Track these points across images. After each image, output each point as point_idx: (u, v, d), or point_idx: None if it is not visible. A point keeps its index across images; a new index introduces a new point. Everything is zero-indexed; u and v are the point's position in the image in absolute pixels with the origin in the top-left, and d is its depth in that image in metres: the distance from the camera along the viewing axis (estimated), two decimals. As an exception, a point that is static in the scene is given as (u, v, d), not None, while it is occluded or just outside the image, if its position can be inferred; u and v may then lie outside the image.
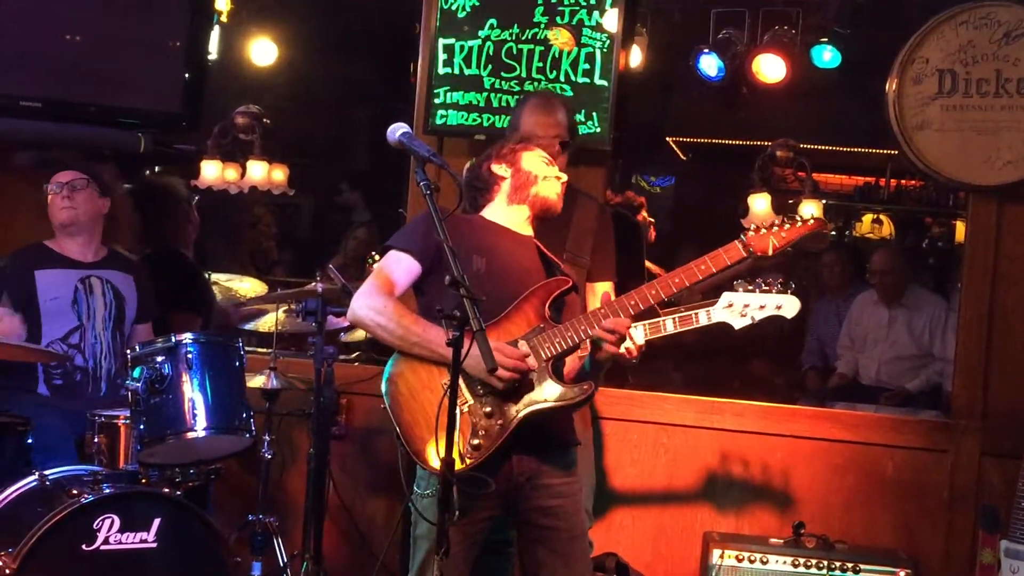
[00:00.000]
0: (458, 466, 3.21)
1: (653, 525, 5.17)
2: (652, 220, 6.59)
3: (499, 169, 3.69)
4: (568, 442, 3.64)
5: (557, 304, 3.58)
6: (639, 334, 3.69)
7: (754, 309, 3.64)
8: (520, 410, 3.43)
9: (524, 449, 3.48)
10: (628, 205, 6.38)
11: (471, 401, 3.41)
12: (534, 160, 3.71)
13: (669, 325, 3.71)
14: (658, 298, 3.53)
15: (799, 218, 3.60)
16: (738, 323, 3.66)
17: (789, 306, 3.66)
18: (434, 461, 3.29)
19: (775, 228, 3.58)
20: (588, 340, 3.49)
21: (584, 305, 3.97)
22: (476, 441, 3.40)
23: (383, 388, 3.49)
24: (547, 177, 3.68)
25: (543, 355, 3.45)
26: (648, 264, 5.94)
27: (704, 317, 3.70)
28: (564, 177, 3.77)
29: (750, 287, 3.64)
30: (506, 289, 3.51)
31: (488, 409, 3.41)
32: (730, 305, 3.67)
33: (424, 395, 3.41)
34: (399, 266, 3.53)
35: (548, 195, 3.68)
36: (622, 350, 3.53)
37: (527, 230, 3.71)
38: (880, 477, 5.05)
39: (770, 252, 3.57)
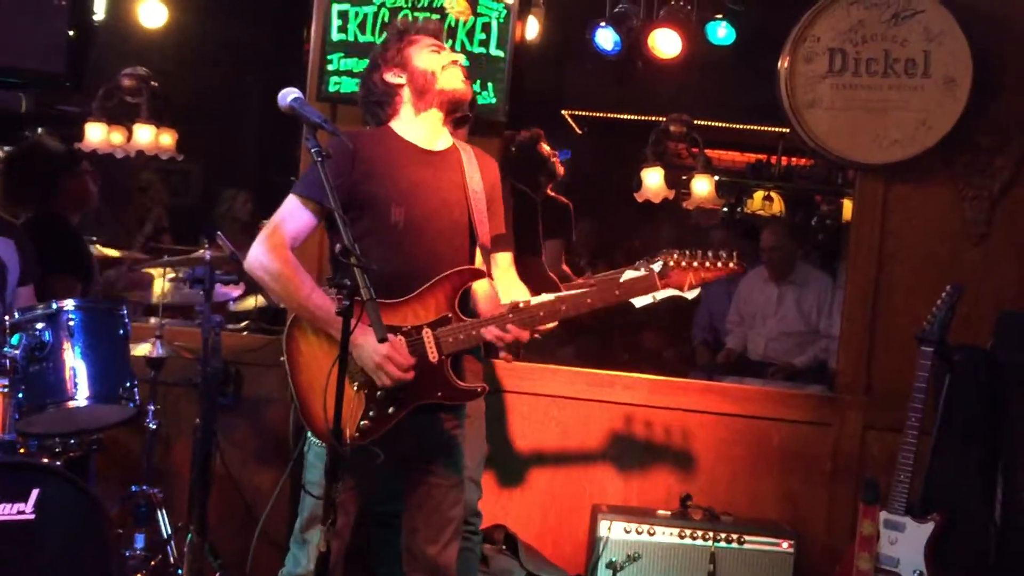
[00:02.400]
0: (346, 443, 3.22)
1: (542, 497, 5.19)
2: (555, 154, 6.55)
3: (392, 77, 3.57)
4: (450, 408, 3.63)
5: (467, 291, 3.55)
6: None
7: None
8: (412, 401, 3.42)
9: (411, 428, 3.48)
10: (532, 139, 6.35)
11: (365, 380, 3.39)
12: (424, 55, 3.57)
13: None
14: (565, 315, 3.49)
15: (721, 258, 3.50)
16: (639, 301, 3.65)
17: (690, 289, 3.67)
18: (323, 432, 3.28)
19: (695, 265, 3.47)
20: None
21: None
22: (364, 423, 3.39)
23: (283, 342, 3.45)
24: (444, 67, 3.55)
25: (444, 348, 3.43)
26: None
27: None
28: (461, 58, 3.65)
29: (651, 266, 3.63)
30: (423, 251, 3.46)
31: (380, 392, 3.39)
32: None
33: (321, 361, 3.36)
34: (302, 216, 3.44)
35: (453, 87, 3.55)
36: None
37: (445, 139, 3.61)
38: (766, 450, 5.14)
39: (684, 289, 3.48)
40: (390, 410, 3.41)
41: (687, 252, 3.49)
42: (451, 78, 3.55)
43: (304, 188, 3.46)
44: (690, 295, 3.59)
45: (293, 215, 3.45)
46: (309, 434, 3.47)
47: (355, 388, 3.38)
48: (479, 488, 4.47)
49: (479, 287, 3.62)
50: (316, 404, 3.31)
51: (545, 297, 3.50)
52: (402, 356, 3.35)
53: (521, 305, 3.47)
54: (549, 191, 6.25)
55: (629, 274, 3.47)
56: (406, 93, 3.57)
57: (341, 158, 3.38)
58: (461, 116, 3.92)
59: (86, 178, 5.51)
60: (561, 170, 6.50)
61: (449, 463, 3.64)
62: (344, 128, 4.80)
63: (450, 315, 3.45)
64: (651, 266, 3.46)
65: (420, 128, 3.57)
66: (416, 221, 3.47)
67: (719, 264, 3.49)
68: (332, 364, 3.15)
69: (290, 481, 4.93)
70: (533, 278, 4.30)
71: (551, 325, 3.56)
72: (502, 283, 3.86)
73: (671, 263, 3.45)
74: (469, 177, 3.59)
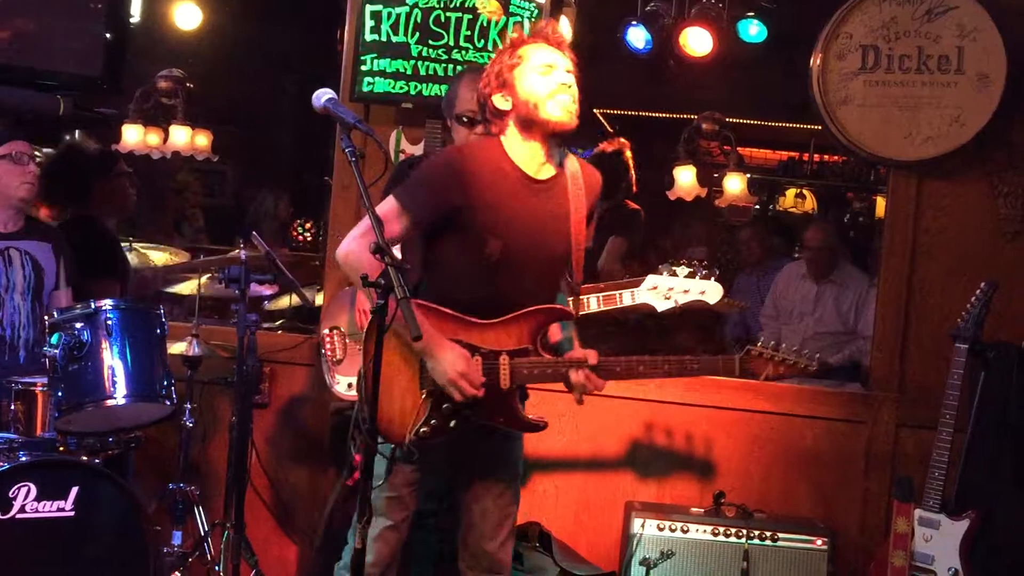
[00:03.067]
0: (403, 444, 3.40)
1: (576, 495, 5.20)
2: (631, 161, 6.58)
3: (500, 102, 3.44)
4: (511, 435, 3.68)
5: (550, 327, 3.57)
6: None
7: (678, 293, 3.71)
8: (475, 419, 3.46)
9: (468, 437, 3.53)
10: (618, 152, 6.38)
11: (435, 389, 3.42)
12: (531, 79, 3.41)
13: (593, 303, 3.75)
14: (642, 376, 3.59)
15: (803, 358, 3.57)
16: (661, 305, 3.72)
17: (712, 292, 3.73)
18: (384, 431, 3.40)
19: (777, 358, 3.54)
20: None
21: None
22: (424, 429, 3.43)
23: (363, 336, 3.53)
24: (551, 94, 3.38)
25: (517, 378, 3.45)
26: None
27: (628, 297, 3.75)
28: (571, 83, 3.42)
29: (675, 270, 3.67)
30: (515, 286, 3.45)
31: (447, 404, 3.43)
32: (655, 287, 3.72)
33: (398, 361, 3.40)
34: (400, 221, 3.40)
35: (558, 118, 3.39)
36: None
37: (547, 168, 3.48)
38: (799, 448, 5.13)
39: (760, 378, 3.58)
40: (451, 424, 3.45)
41: (772, 344, 3.58)
42: (556, 107, 3.39)
43: (406, 199, 3.41)
44: (706, 294, 3.64)
45: (388, 220, 3.33)
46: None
47: (424, 394, 3.42)
48: None
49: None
50: (382, 403, 3.33)
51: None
52: (476, 376, 3.38)
53: (604, 360, 3.50)
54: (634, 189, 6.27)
55: (714, 359, 3.58)
56: (513, 118, 3.45)
57: (451, 173, 3.36)
58: (470, 119, 3.92)
59: (123, 180, 5.56)
60: (635, 187, 6.52)
61: (508, 458, 3.68)
62: (378, 128, 4.87)
63: (530, 348, 3.46)
64: (735, 355, 3.55)
65: (527, 153, 3.47)
66: (512, 255, 3.43)
67: (800, 364, 3.58)
68: (408, 369, 3.36)
69: (325, 480, 5.01)
70: None
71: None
72: None
73: (755, 352, 3.54)
74: (575, 209, 3.51)
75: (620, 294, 3.77)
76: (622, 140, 6.38)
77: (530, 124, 3.42)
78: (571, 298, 3.61)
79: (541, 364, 3.46)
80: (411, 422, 3.42)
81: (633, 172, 6.36)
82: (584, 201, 3.55)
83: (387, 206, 3.41)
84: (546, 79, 3.41)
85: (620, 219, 6.15)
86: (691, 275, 3.73)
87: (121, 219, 5.76)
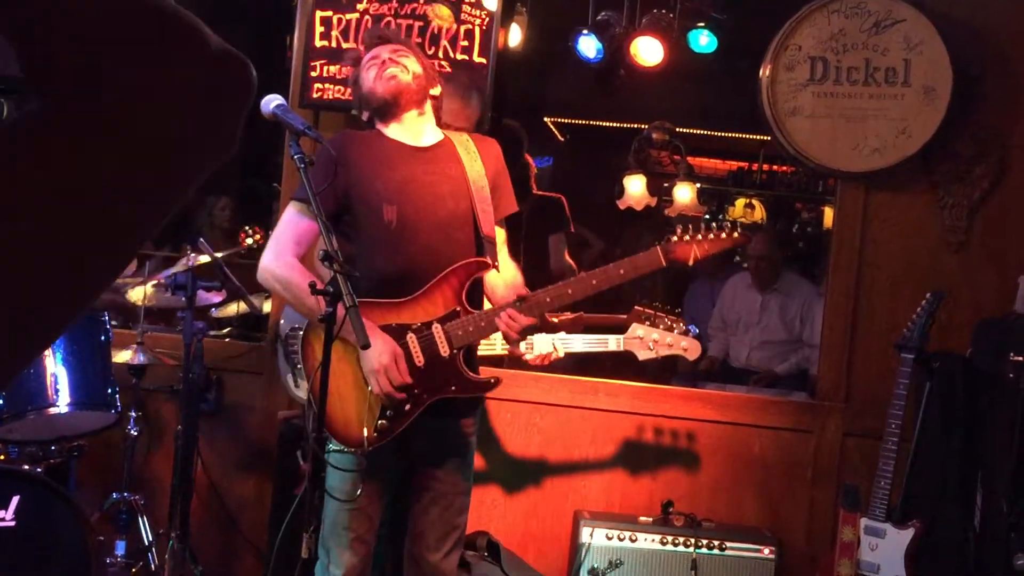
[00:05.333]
0: (364, 444, 3.39)
1: (525, 504, 5.20)
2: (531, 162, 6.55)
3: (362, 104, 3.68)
4: (468, 410, 3.67)
5: (475, 283, 3.57)
6: (547, 343, 3.77)
7: (661, 346, 3.77)
8: (427, 397, 3.46)
9: (427, 429, 3.53)
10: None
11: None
12: (363, 76, 3.61)
13: (580, 345, 3.80)
14: (573, 298, 3.55)
15: (724, 230, 3.58)
16: (642, 355, 3.80)
17: (692, 350, 3.83)
18: (343, 434, 3.42)
19: (699, 237, 3.54)
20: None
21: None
22: (382, 422, 3.44)
23: (300, 347, 3.55)
24: (376, 77, 3.57)
25: (455, 342, 3.47)
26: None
27: (614, 344, 3.84)
28: (389, 56, 3.58)
29: (656, 322, 3.75)
30: (422, 248, 3.49)
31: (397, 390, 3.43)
32: (639, 338, 3.77)
33: (337, 366, 3.38)
34: (302, 220, 3.48)
35: (385, 88, 3.55)
36: (523, 348, 3.69)
37: (433, 133, 3.64)
38: (747, 457, 5.15)
39: (690, 262, 3.57)
40: (407, 407, 3.44)
41: (690, 226, 3.57)
42: (380, 83, 3.55)
43: (301, 193, 3.47)
44: (687, 351, 3.71)
45: (293, 221, 3.51)
46: (330, 440, 3.47)
47: (370, 389, 3.42)
48: None
49: (492, 277, 3.64)
50: (333, 408, 3.35)
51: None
52: (401, 368, 3.39)
53: (528, 295, 3.51)
54: (536, 190, 6.25)
55: (636, 259, 3.56)
56: (371, 113, 3.65)
57: (326, 163, 3.41)
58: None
59: None
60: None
61: (459, 469, 3.66)
62: (327, 135, 4.84)
63: (458, 309, 3.48)
64: (657, 245, 3.54)
65: (402, 128, 3.60)
66: (410, 219, 3.49)
67: (723, 235, 3.57)
68: (350, 370, 3.37)
69: (272, 489, 4.96)
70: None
71: (563, 317, 3.64)
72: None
73: (674, 238, 3.54)
74: (469, 167, 3.60)
75: (606, 340, 3.87)
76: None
77: (380, 110, 3.59)
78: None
79: (473, 320, 3.48)
80: (368, 420, 3.42)
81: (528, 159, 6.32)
82: (481, 162, 3.62)
83: (288, 211, 3.54)
84: (371, 70, 3.57)
85: (547, 214, 6.14)
86: (670, 329, 3.82)
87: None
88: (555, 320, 3.88)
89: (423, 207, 3.51)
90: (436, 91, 3.66)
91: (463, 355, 3.50)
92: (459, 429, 3.62)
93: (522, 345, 3.81)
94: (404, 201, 3.49)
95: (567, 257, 6.09)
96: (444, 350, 3.46)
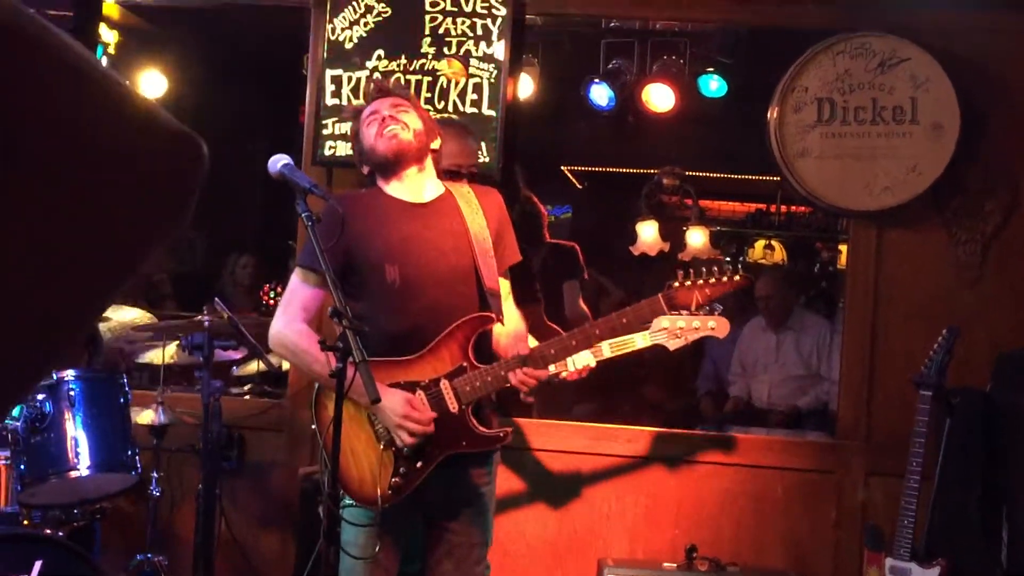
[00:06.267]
0: (379, 501, 3.41)
1: (548, 552, 5.18)
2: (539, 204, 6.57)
3: (364, 160, 3.70)
4: (479, 462, 3.67)
5: (480, 337, 3.58)
6: (582, 357, 3.75)
7: (688, 331, 3.71)
8: (439, 453, 3.47)
9: (440, 482, 3.54)
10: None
11: (392, 439, 3.46)
12: (363, 132, 3.64)
13: (606, 350, 3.77)
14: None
15: (725, 273, 3.58)
16: (672, 344, 3.72)
17: (721, 326, 3.73)
18: (358, 493, 3.44)
19: (699, 282, 3.55)
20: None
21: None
22: (395, 480, 3.45)
23: (312, 408, 3.54)
24: (377, 134, 3.59)
25: (463, 398, 3.48)
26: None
27: (640, 341, 3.75)
28: (391, 114, 3.61)
29: (679, 311, 3.70)
30: (425, 306, 3.50)
31: (407, 450, 3.45)
32: (663, 329, 3.73)
33: (349, 426, 3.40)
34: (306, 287, 3.53)
35: (386, 147, 3.58)
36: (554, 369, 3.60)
37: (433, 188, 3.66)
38: (770, 499, 5.12)
39: (692, 308, 3.57)
40: (418, 464, 3.46)
41: (691, 271, 3.57)
42: (382, 142, 3.58)
43: (304, 259, 3.54)
44: (716, 329, 3.65)
45: (299, 289, 3.56)
46: (345, 496, 3.48)
47: (382, 447, 3.45)
48: (488, 544, 4.37)
49: (496, 328, 3.66)
50: (348, 466, 3.37)
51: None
52: (420, 413, 3.41)
53: (532, 349, 3.52)
54: (548, 238, 6.27)
55: (639, 307, 3.57)
56: (372, 169, 3.68)
57: (331, 222, 3.43)
58: (453, 171, 3.98)
59: None
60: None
61: (475, 520, 3.67)
62: (340, 191, 4.89)
63: (464, 364, 3.49)
64: (659, 293, 3.55)
65: (402, 185, 3.62)
66: (412, 277, 3.51)
67: (723, 279, 3.57)
68: (361, 429, 3.40)
69: (296, 544, 4.97)
70: (533, 328, 4.33)
71: (578, 368, 3.62)
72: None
73: (676, 284, 3.54)
74: (470, 220, 3.61)
75: (633, 339, 3.78)
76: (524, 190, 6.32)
77: (381, 167, 3.61)
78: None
79: (480, 375, 3.49)
80: (382, 478, 3.43)
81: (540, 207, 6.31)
82: (483, 215, 3.63)
83: (294, 278, 3.58)
84: (372, 127, 3.60)
85: (561, 261, 6.16)
86: (697, 312, 3.76)
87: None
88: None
89: (425, 264, 3.53)
90: (436, 144, 3.69)
91: (472, 410, 3.51)
92: (470, 480, 3.63)
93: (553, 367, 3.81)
94: (405, 259, 3.51)
95: (582, 304, 6.10)
96: (453, 406, 3.47)
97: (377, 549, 3.44)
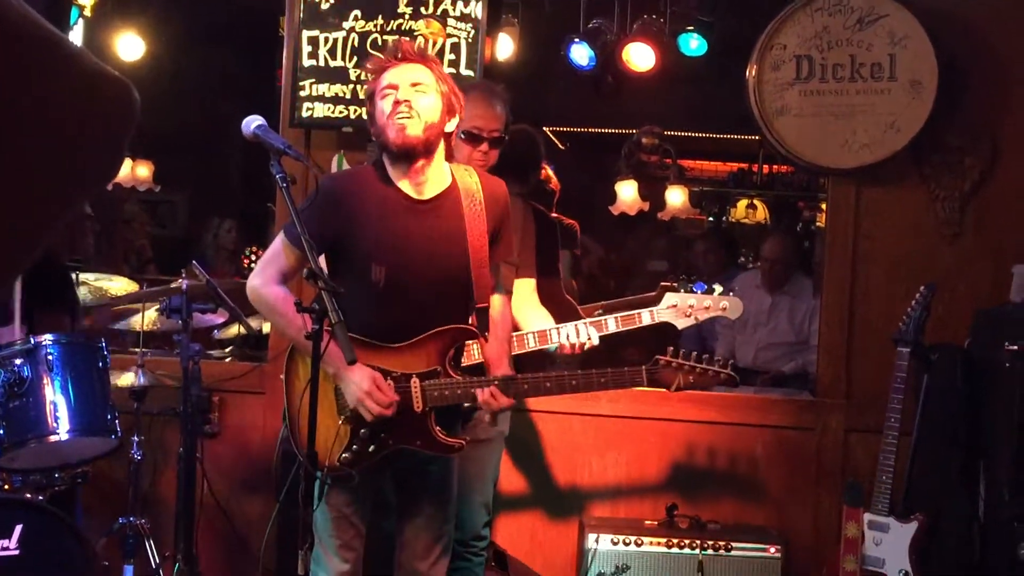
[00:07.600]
0: (324, 470, 3.40)
1: (530, 513, 5.21)
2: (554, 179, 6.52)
3: (373, 130, 3.52)
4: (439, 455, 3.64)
5: (460, 347, 3.56)
6: (582, 332, 3.75)
7: (698, 310, 3.71)
8: (393, 443, 3.47)
9: (392, 467, 3.58)
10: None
11: (351, 415, 3.44)
12: (378, 105, 3.44)
13: (612, 324, 3.75)
14: (549, 392, 3.61)
15: (715, 365, 3.58)
16: (681, 323, 3.74)
17: (733, 307, 3.73)
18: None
19: (687, 366, 3.55)
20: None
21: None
22: (345, 455, 3.45)
23: (284, 365, 3.54)
24: (389, 117, 3.39)
25: (429, 400, 3.47)
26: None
27: (648, 317, 3.75)
28: (408, 97, 3.39)
29: (690, 287, 3.70)
30: (407, 310, 3.46)
31: (364, 430, 3.45)
32: (674, 306, 3.71)
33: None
34: (289, 255, 3.46)
35: (393, 140, 3.40)
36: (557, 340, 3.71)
37: (438, 181, 3.49)
38: (750, 456, 5.15)
39: (671, 389, 3.59)
40: (370, 448, 3.46)
41: (681, 353, 3.57)
42: (392, 130, 3.40)
43: (291, 231, 3.39)
44: (728, 310, 3.68)
45: (281, 255, 3.48)
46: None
47: (341, 420, 3.44)
48: (487, 511, 4.30)
49: (523, 317, 3.66)
50: (305, 428, 3.35)
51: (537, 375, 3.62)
52: (384, 394, 3.38)
53: (509, 376, 3.53)
54: (555, 214, 6.22)
55: (620, 372, 3.58)
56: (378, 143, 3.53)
57: (326, 204, 3.38)
58: (473, 134, 3.90)
59: (83, 222, 5.53)
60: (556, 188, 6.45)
61: (443, 476, 3.67)
62: (319, 153, 4.87)
63: (439, 369, 3.48)
64: (644, 365, 3.55)
65: (406, 176, 3.48)
66: (398, 280, 3.44)
67: (709, 373, 3.57)
68: (324, 398, 3.32)
69: (278, 506, 4.97)
70: (551, 301, 4.30)
71: (581, 342, 3.66)
72: (523, 311, 3.94)
73: (662, 360, 3.55)
74: (470, 224, 3.49)
75: (639, 314, 3.77)
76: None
77: (387, 152, 3.47)
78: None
79: (451, 385, 3.48)
80: (333, 450, 3.44)
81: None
82: (484, 216, 3.53)
83: (276, 242, 3.51)
84: (386, 102, 3.43)
85: (562, 238, 6.14)
86: (708, 291, 3.75)
87: (76, 259, 5.70)
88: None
89: (413, 269, 3.44)
90: (451, 126, 3.49)
91: (436, 415, 3.49)
92: (425, 467, 3.63)
93: (557, 336, 3.81)
94: (394, 261, 3.42)
95: (571, 281, 6.04)
96: (417, 405, 3.45)
97: (333, 499, 3.46)
